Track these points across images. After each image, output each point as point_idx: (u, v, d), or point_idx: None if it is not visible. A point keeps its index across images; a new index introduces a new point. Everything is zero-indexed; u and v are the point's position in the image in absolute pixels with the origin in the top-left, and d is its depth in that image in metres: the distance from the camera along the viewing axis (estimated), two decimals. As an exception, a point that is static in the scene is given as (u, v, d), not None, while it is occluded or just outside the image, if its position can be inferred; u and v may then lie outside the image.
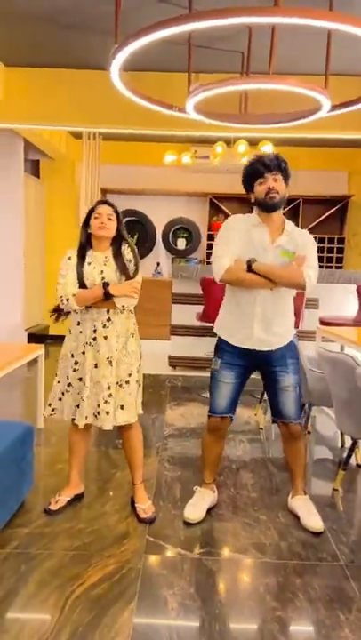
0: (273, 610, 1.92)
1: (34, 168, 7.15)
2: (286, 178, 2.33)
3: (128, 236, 2.54)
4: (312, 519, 2.47)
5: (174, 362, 5.40)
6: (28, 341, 6.45)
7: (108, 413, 2.38)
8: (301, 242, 2.36)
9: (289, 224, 2.39)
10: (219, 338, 2.52)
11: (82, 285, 2.40)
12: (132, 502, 2.60)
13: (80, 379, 2.44)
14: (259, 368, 2.50)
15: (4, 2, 3.47)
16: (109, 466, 3.12)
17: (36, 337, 6.64)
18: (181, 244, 7.65)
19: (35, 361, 3.76)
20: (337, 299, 5.41)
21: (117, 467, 3.07)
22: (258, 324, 2.36)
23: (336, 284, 5.27)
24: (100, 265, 2.42)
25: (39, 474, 2.92)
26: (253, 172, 2.32)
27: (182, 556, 2.22)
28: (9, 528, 2.38)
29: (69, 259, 2.47)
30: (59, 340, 8.09)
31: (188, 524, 2.46)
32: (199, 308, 4.94)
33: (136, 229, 7.55)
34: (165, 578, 2.09)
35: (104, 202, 2.48)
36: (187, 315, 5.29)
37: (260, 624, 1.86)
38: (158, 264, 7.55)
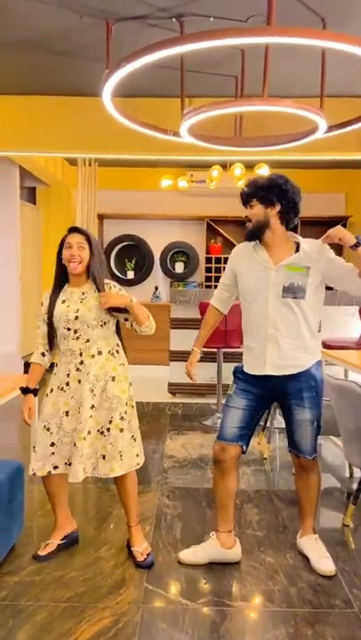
0: (284, 668, 1.75)
1: (30, 195, 7.14)
2: (267, 198, 2.23)
3: (101, 273, 2.27)
4: (323, 562, 2.30)
5: (174, 389, 5.26)
6: (25, 369, 6.31)
7: (77, 463, 2.17)
8: (316, 252, 2.25)
9: (304, 242, 2.29)
10: (237, 366, 2.43)
11: (52, 327, 2.25)
12: (129, 546, 2.42)
13: (46, 426, 2.27)
14: (276, 399, 2.38)
15: (-4, 30, 3.46)
16: (105, 503, 2.96)
17: (32, 365, 6.52)
18: (179, 267, 7.59)
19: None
20: (339, 321, 5.29)
21: (114, 504, 2.90)
22: (271, 345, 2.23)
23: (338, 305, 5.16)
24: (76, 303, 2.24)
25: (30, 514, 2.76)
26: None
27: (183, 607, 2.05)
28: (-3, 577, 2.22)
29: (42, 304, 2.33)
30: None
31: (185, 565, 2.30)
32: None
33: (134, 254, 7.51)
34: (165, 632, 1.92)
35: (75, 229, 2.28)
36: (186, 339, 5.13)
37: None
38: (157, 288, 7.47)
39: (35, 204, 7.20)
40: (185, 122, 3.08)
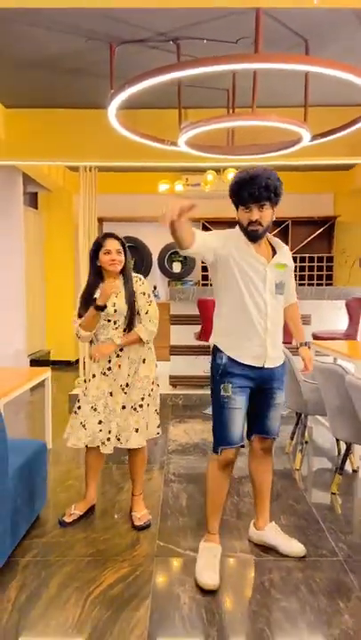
0: (278, 601, 2.08)
1: (32, 200, 7.44)
2: (276, 203, 2.20)
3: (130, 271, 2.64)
4: (295, 545, 2.41)
5: (174, 381, 5.58)
6: (31, 367, 6.61)
7: (118, 439, 2.56)
8: (288, 255, 2.36)
9: (273, 239, 2.35)
10: (224, 360, 2.25)
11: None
12: (130, 512, 2.75)
13: (93, 407, 2.60)
14: (259, 386, 2.32)
15: (5, 50, 3.76)
16: (117, 479, 3.28)
17: (38, 362, 6.81)
18: (177, 267, 7.91)
19: (38, 385, 3.92)
20: (327, 314, 5.63)
21: (124, 481, 3.21)
22: (269, 339, 2.26)
23: (326, 300, 5.51)
24: (112, 297, 2.55)
25: (51, 490, 3.07)
26: (239, 197, 2.18)
27: (191, 557, 2.37)
28: (27, 539, 2.53)
29: (83, 297, 2.61)
30: (60, 365, 8.21)
31: (205, 591, 2.13)
32: (197, 328, 5.15)
33: (133, 255, 7.79)
34: (176, 577, 2.24)
35: (111, 235, 2.58)
36: (185, 335, 5.49)
37: (266, 613, 2.01)
38: (155, 287, 7.79)
39: (37, 208, 7.50)
40: (182, 135, 3.40)
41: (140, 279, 2.66)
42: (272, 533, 2.47)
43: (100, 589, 2.14)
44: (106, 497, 3.04)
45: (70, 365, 7.34)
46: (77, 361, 6.37)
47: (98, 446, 2.60)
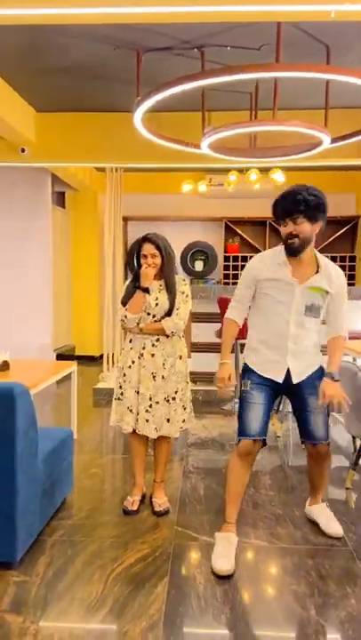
0: (288, 584, 2.20)
1: (60, 199, 7.66)
2: (314, 216, 2.28)
3: (170, 274, 2.72)
4: (332, 525, 2.57)
5: (195, 377, 5.70)
6: (57, 360, 6.84)
7: (147, 421, 2.70)
8: (338, 284, 2.39)
9: (323, 262, 2.40)
10: (247, 365, 2.48)
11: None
12: (151, 498, 2.89)
13: (125, 391, 2.76)
14: (288, 390, 2.48)
15: (37, 58, 3.95)
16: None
17: (63, 357, 7.04)
18: (199, 266, 8.04)
19: (63, 378, 4.10)
20: (350, 314, 5.64)
21: (146, 471, 3.36)
22: (291, 358, 2.37)
23: (350, 300, 5.54)
24: (155, 292, 2.72)
25: (75, 477, 3.24)
26: (276, 215, 2.34)
27: (207, 542, 2.50)
28: (54, 520, 2.71)
29: (128, 287, 2.76)
30: (84, 360, 8.42)
31: (220, 577, 2.22)
32: (217, 326, 5.27)
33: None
34: (193, 559, 2.39)
35: (147, 239, 2.69)
36: (206, 332, 5.61)
37: (278, 595, 2.13)
38: (177, 285, 7.93)
39: (64, 207, 7.73)
40: (205, 139, 3.52)
41: (184, 280, 2.82)
42: (316, 511, 2.67)
43: (121, 567, 2.30)
44: (127, 484, 3.19)
45: (94, 360, 7.54)
46: (101, 356, 6.56)
47: (127, 430, 2.75)
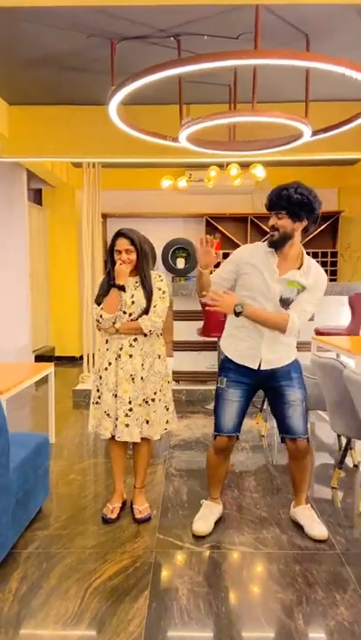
0: (275, 593, 2.10)
1: (36, 196, 7.47)
2: (297, 214, 2.31)
3: (147, 269, 2.61)
4: (315, 527, 2.51)
5: (177, 376, 5.60)
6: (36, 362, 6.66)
7: (127, 426, 2.57)
8: (313, 281, 2.40)
9: (308, 261, 2.42)
10: (224, 356, 2.55)
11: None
12: (131, 505, 2.77)
13: (102, 394, 2.63)
14: (263, 385, 2.54)
15: (7, 48, 3.79)
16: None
17: (42, 358, 6.87)
18: (180, 263, 7.93)
19: (42, 380, 3.97)
20: (331, 310, 5.63)
21: (129, 474, 3.25)
22: (265, 344, 2.43)
23: (330, 295, 5.49)
24: (131, 289, 2.59)
25: (52, 484, 3.10)
26: (266, 207, 2.41)
27: (191, 550, 2.40)
28: (29, 531, 2.57)
29: (102, 285, 2.64)
30: (64, 361, 8.26)
31: (197, 537, 2.48)
32: (199, 324, 5.16)
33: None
34: (176, 569, 2.28)
35: (121, 234, 2.57)
36: (188, 331, 5.51)
37: (264, 605, 2.03)
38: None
39: (41, 204, 7.54)
40: (183, 131, 3.41)
41: (160, 276, 2.69)
42: (300, 513, 2.63)
43: (99, 580, 2.18)
44: (108, 490, 3.07)
45: (74, 361, 7.38)
46: (81, 357, 6.41)
47: (106, 437, 2.63)
